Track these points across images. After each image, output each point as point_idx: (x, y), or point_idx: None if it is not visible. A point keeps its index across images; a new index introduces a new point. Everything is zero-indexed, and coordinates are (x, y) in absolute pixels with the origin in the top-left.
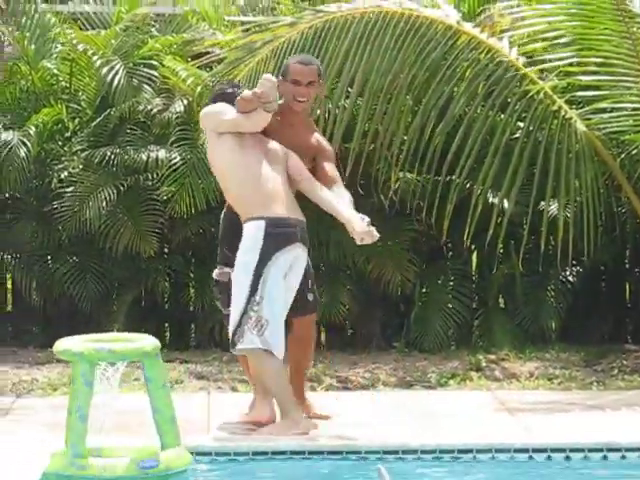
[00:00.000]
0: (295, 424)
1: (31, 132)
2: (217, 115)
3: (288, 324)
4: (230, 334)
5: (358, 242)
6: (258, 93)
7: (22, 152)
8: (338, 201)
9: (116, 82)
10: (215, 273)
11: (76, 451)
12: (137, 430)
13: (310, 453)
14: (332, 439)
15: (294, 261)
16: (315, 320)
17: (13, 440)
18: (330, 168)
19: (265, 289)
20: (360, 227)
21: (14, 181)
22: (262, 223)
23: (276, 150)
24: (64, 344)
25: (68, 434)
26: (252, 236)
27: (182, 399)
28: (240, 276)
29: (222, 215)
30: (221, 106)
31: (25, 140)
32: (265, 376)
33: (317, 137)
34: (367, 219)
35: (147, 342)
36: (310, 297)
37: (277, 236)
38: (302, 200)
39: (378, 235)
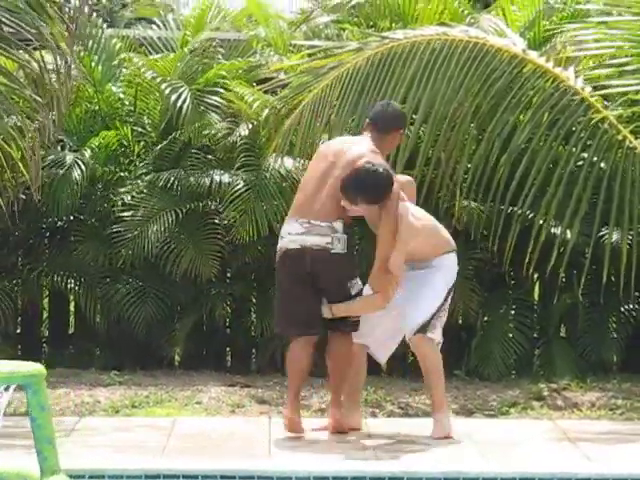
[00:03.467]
0: (447, 424)
1: (86, 154)
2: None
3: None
4: (420, 323)
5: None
6: None
7: (75, 174)
8: None
9: (184, 108)
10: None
11: None
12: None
13: (371, 479)
14: (392, 464)
15: None
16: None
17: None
18: None
19: (446, 306)
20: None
21: (68, 202)
22: (454, 255)
23: None
24: None
25: None
26: (452, 266)
27: (244, 423)
28: (442, 281)
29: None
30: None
31: (82, 161)
32: (436, 362)
33: None
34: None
35: (30, 367)
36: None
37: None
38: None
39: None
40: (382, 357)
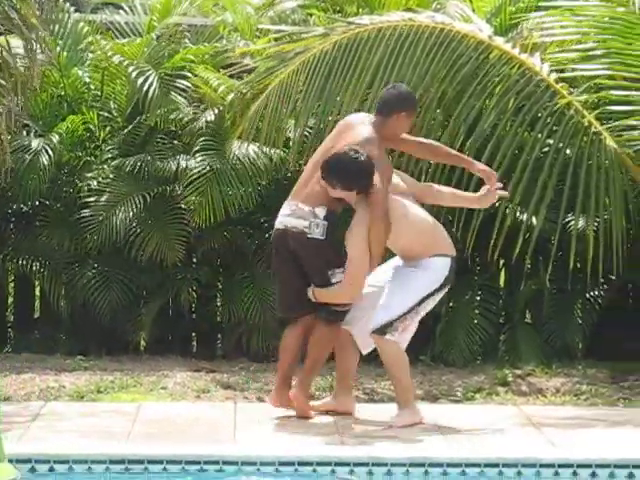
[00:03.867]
0: (415, 413)
1: (54, 139)
2: None
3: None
4: (381, 322)
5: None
6: None
7: (44, 159)
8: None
9: (151, 92)
10: None
11: None
12: None
13: (336, 464)
14: (359, 450)
15: None
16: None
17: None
18: None
19: (423, 308)
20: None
21: (34, 187)
22: (447, 260)
23: None
24: None
25: None
26: (441, 270)
27: (209, 408)
28: (422, 284)
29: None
30: None
31: (48, 147)
32: (397, 360)
33: None
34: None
35: None
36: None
37: (450, 276)
38: None
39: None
40: (364, 347)
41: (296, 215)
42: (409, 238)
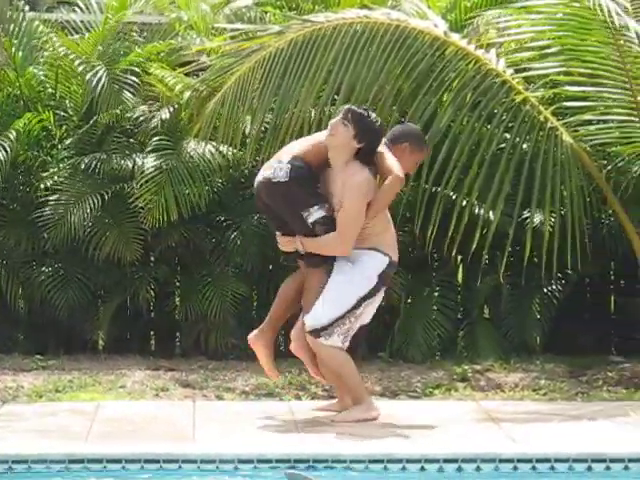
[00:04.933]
0: (369, 408)
1: (11, 137)
2: None
3: None
4: (317, 324)
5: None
6: None
7: (1, 156)
8: None
9: (99, 88)
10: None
11: None
12: None
13: (295, 461)
14: (317, 446)
15: None
16: None
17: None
18: None
19: (366, 309)
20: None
21: None
22: (387, 260)
23: None
24: None
25: None
26: (378, 265)
27: (168, 407)
28: (354, 288)
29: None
30: None
31: (5, 144)
32: (337, 363)
33: None
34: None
35: None
36: None
37: (389, 275)
38: None
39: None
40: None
41: (264, 167)
42: (381, 219)
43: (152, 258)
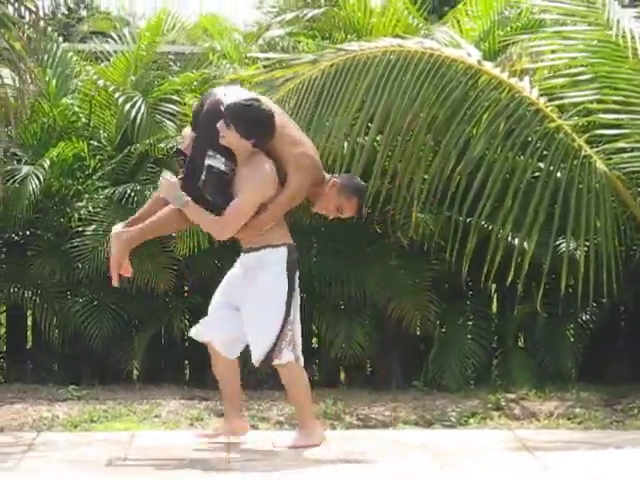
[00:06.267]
0: (314, 434)
1: (45, 166)
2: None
3: None
4: (263, 352)
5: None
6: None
7: (33, 184)
8: None
9: (139, 118)
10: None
11: None
12: None
13: None
14: (350, 477)
15: None
16: None
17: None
18: None
19: (293, 310)
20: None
21: (19, 215)
22: (284, 250)
23: None
24: None
25: None
26: (278, 262)
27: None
28: (275, 300)
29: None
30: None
31: (38, 173)
32: (298, 387)
33: None
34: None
35: None
36: None
37: (294, 261)
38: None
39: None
40: (231, 354)
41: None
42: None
43: (185, 287)
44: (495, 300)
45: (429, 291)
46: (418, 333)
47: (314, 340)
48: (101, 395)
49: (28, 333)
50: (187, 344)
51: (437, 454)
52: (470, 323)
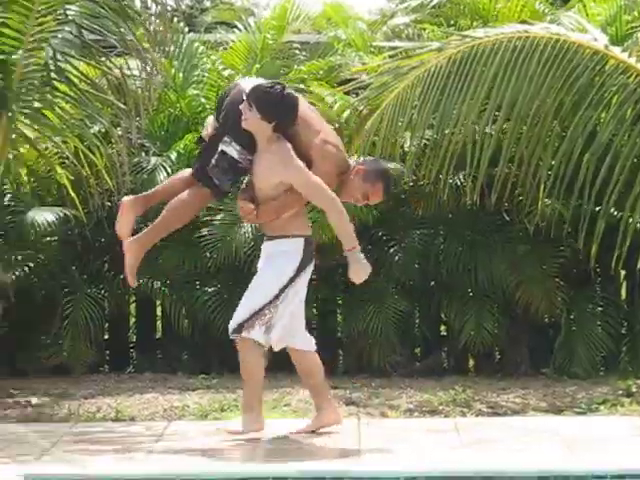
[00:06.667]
0: (256, 420)
1: (172, 157)
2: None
3: None
4: (236, 322)
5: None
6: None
7: (161, 176)
8: None
9: None
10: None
11: None
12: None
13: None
14: (481, 463)
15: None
16: None
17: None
18: None
19: (289, 296)
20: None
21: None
22: (301, 241)
23: None
24: None
25: None
26: (295, 252)
27: (334, 425)
28: (270, 281)
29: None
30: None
31: (165, 165)
32: (249, 366)
33: None
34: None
35: None
36: None
37: (311, 252)
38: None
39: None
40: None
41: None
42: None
43: (315, 277)
44: (625, 286)
45: (556, 278)
46: (546, 320)
47: (442, 328)
48: (230, 384)
49: (158, 323)
50: (315, 333)
51: (568, 441)
52: (599, 309)
